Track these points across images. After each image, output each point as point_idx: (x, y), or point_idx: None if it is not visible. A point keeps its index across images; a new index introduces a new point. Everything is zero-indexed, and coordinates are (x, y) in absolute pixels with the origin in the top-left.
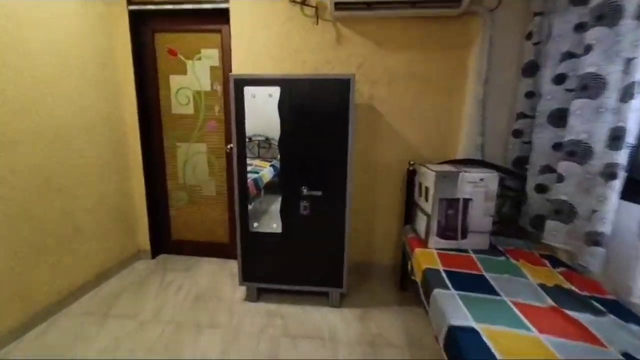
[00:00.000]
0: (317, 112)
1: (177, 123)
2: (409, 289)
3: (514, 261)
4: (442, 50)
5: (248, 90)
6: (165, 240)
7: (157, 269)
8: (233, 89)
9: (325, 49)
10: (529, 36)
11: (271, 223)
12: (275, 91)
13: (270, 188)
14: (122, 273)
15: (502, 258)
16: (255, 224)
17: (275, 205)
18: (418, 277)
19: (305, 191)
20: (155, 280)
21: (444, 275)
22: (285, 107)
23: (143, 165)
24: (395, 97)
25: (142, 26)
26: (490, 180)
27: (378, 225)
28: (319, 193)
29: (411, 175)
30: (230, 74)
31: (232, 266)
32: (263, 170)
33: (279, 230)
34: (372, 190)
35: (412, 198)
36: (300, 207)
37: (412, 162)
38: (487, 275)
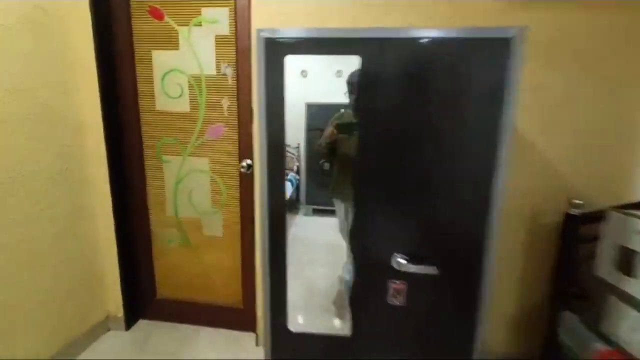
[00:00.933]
0: (435, 107)
1: (165, 126)
2: None
3: None
4: (624, 8)
5: (293, 63)
6: (146, 300)
7: (132, 349)
8: (264, 59)
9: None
10: None
11: (326, 313)
12: (348, 64)
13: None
14: (78, 358)
15: None
16: (300, 319)
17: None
18: None
19: (402, 264)
20: None
21: None
22: (370, 94)
23: (111, 191)
24: (532, 86)
25: None
26: None
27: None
28: (433, 269)
29: (571, 224)
30: (258, 29)
31: (249, 345)
32: None
33: (346, 330)
34: None
35: (567, 261)
36: (388, 291)
37: (578, 202)
38: None
